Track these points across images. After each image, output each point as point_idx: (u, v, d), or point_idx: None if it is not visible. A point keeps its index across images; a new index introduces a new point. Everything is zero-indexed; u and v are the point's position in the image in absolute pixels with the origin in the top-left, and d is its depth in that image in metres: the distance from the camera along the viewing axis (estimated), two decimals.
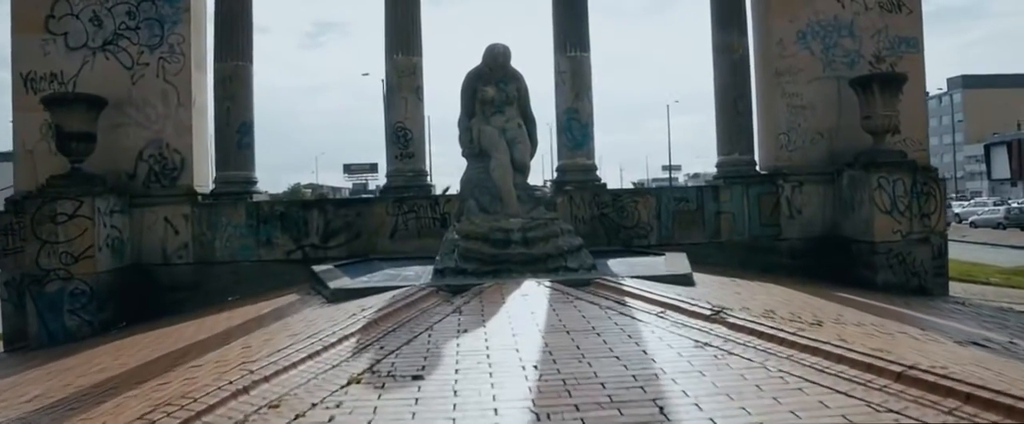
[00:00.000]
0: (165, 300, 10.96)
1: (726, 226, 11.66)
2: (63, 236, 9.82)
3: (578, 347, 4.68)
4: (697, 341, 4.76)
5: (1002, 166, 59.03)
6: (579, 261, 7.93)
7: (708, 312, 5.43)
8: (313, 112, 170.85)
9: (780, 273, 11.12)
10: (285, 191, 70.11)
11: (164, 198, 11.21)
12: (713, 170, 13.30)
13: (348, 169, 69.00)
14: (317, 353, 4.63)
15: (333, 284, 7.33)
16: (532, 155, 9.12)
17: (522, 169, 8.90)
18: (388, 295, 6.51)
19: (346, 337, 5.02)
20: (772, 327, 4.87)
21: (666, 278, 7.14)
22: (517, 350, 4.68)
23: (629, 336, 4.92)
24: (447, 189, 24.09)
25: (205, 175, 11.85)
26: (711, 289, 7.22)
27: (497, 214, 8.26)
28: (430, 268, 8.61)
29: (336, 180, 74.59)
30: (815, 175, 11.83)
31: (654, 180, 63.37)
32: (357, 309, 5.97)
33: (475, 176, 8.62)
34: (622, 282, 6.70)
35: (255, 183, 11.95)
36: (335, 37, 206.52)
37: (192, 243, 11.19)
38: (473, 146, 8.81)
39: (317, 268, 9.07)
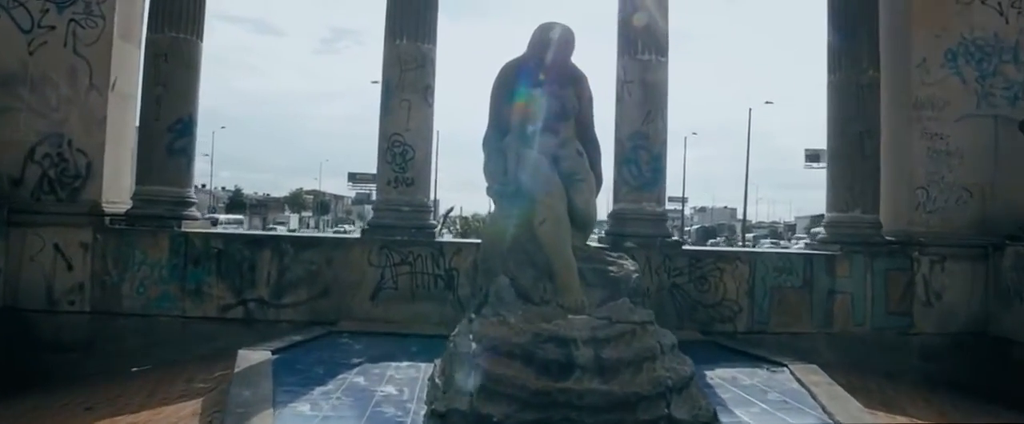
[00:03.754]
0: (46, 362, 7.21)
1: (842, 312, 7.81)
2: None
3: None
4: None
5: None
6: (692, 407, 4.11)
7: None
8: (323, 117, 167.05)
9: (910, 382, 7.39)
10: (287, 195, 66.48)
11: (58, 216, 7.45)
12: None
13: (353, 178, 64.84)
14: None
15: None
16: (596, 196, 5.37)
17: (585, 225, 5.05)
18: None
19: None
20: None
21: None
22: None
23: None
24: (450, 211, 19.31)
25: (121, 188, 8.03)
26: None
27: (548, 305, 4.43)
28: (427, 369, 4.83)
29: (340, 188, 70.85)
30: (961, 247, 8.11)
31: None
32: None
33: (510, 233, 4.81)
34: None
35: (190, 205, 8.04)
36: (350, 44, 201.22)
37: (90, 284, 7.38)
38: (507, 182, 4.99)
39: (241, 362, 5.25)
